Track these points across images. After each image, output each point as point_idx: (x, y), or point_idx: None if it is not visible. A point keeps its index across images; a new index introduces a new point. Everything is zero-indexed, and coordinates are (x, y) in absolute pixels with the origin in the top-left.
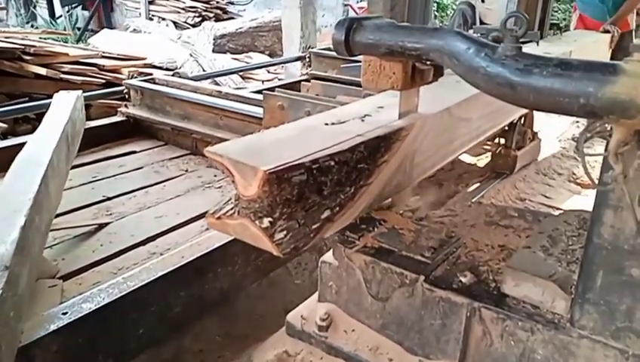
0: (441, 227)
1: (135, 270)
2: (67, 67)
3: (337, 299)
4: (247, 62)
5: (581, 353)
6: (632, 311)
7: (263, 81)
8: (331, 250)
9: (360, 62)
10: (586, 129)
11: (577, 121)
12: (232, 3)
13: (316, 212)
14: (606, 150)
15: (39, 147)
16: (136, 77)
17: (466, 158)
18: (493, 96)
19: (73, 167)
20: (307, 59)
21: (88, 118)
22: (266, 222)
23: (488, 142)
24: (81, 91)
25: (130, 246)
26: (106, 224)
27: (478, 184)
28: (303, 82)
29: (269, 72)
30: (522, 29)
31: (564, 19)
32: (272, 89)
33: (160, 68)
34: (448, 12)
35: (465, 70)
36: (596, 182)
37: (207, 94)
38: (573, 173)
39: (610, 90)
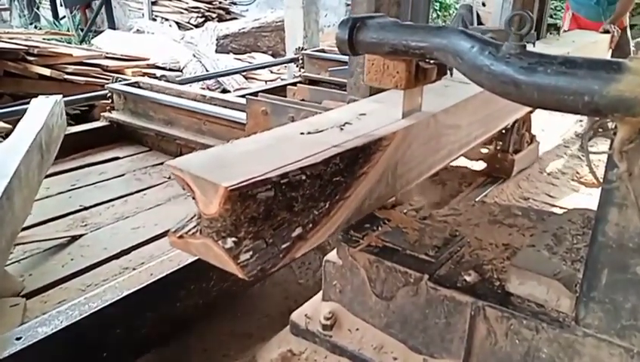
0: (445, 226)
1: (99, 289)
2: (71, 68)
3: (341, 298)
4: (250, 62)
5: (586, 351)
6: (637, 309)
7: (266, 81)
8: (335, 249)
9: (347, 63)
10: (590, 127)
11: (580, 120)
12: (235, 3)
13: (286, 230)
14: (610, 148)
15: (5, 157)
16: (120, 81)
17: (464, 162)
18: (497, 95)
19: (51, 175)
20: (300, 61)
21: (92, 119)
22: (229, 242)
23: (485, 146)
24: (60, 96)
25: (103, 260)
26: (80, 236)
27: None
28: (288, 86)
29: (271, 72)
30: (526, 27)
31: None
32: (255, 93)
33: (163, 68)
34: (451, 12)
35: (469, 68)
36: (600, 180)
37: (192, 99)
38: (577, 172)
39: (615, 88)
